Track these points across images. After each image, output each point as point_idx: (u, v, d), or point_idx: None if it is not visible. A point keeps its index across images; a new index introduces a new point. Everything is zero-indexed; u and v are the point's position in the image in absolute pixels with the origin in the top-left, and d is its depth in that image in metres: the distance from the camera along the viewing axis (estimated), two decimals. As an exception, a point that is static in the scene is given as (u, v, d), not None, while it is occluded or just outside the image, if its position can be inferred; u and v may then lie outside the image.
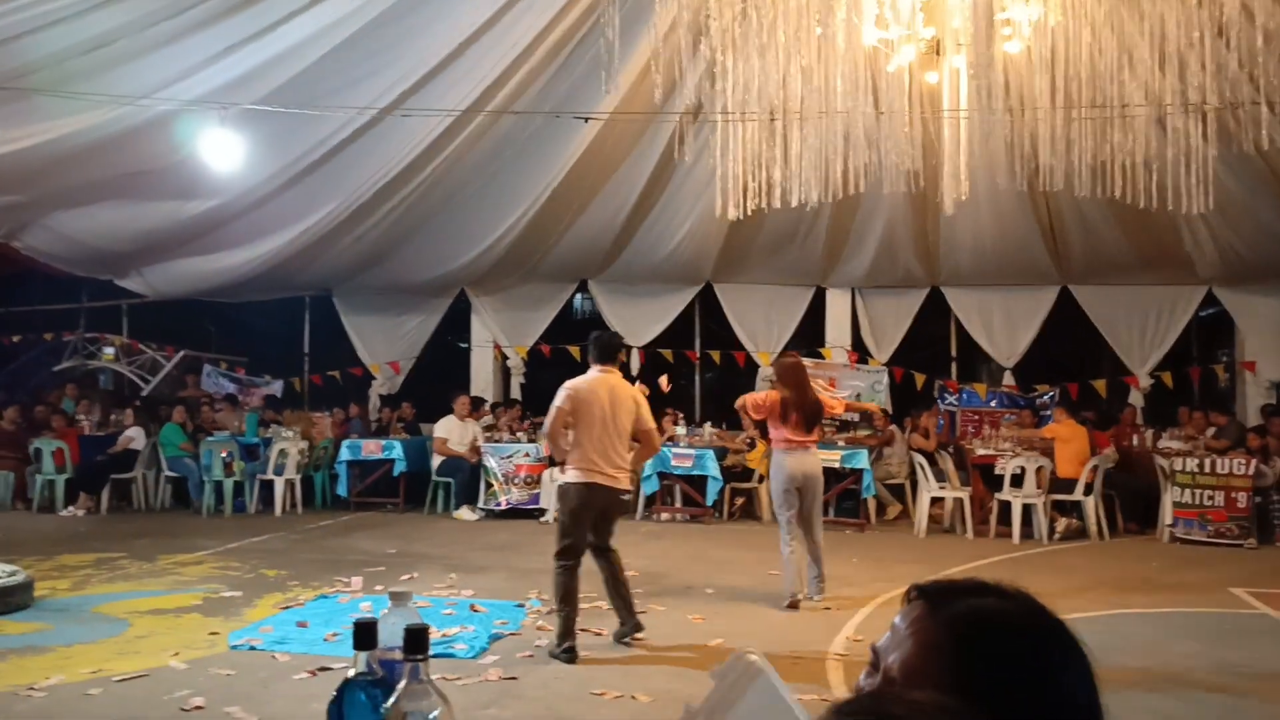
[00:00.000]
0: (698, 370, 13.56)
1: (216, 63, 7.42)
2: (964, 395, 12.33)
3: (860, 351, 12.67)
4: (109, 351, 13.53)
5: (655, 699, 4.51)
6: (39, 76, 7.18)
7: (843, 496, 9.94)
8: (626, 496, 5.88)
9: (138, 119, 8.01)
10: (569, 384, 5.52)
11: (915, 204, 9.89)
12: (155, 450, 10.93)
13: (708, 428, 11.17)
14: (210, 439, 10.77)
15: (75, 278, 13.10)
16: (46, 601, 6.36)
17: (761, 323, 12.84)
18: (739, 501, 10.46)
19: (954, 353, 12.93)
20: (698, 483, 10.03)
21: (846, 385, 12.60)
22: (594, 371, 5.58)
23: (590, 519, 5.45)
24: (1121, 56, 5.77)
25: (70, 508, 10.44)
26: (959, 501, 9.53)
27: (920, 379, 12.56)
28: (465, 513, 10.39)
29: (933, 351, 12.98)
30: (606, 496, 5.44)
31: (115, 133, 8.20)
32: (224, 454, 10.54)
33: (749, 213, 6.45)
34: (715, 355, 13.30)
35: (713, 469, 9.85)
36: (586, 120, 8.78)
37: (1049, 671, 1.06)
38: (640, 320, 13.02)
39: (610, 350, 5.71)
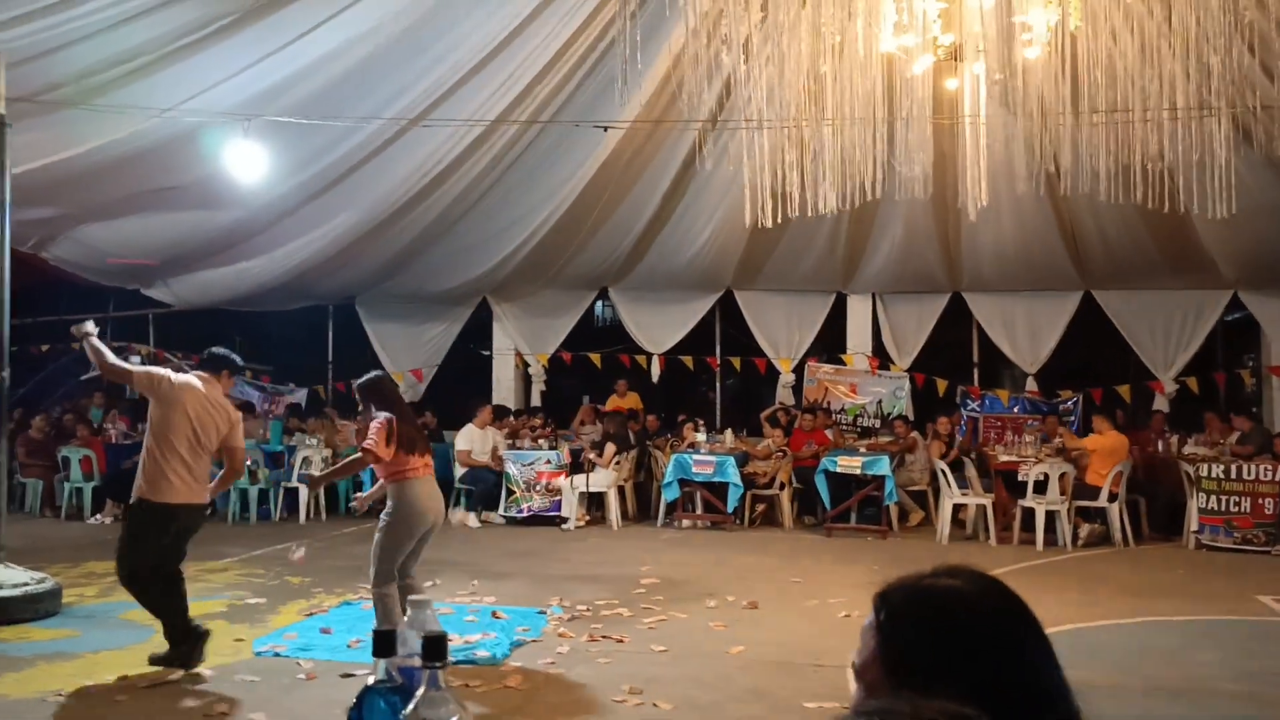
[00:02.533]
0: (718, 377, 13.57)
1: (241, 76, 7.51)
2: (986, 401, 12.27)
3: (881, 357, 12.63)
4: (135, 359, 13.68)
5: (676, 706, 4.52)
6: (67, 91, 7.29)
7: (864, 503, 9.92)
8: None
9: (163, 132, 8.11)
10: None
11: (936, 209, 9.86)
12: (181, 458, 11.03)
13: (728, 434, 11.17)
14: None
15: (102, 288, 13.28)
16: (74, 608, 6.45)
17: (782, 329, 12.83)
18: (760, 508, 10.45)
19: (976, 358, 12.87)
20: (719, 490, 10.03)
21: (868, 391, 12.58)
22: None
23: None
24: (1142, 59, 5.74)
25: (98, 515, 10.57)
26: (982, 508, 9.48)
27: (942, 385, 12.51)
28: (470, 519, 10.41)
29: (954, 357, 12.94)
30: None
31: (142, 146, 8.31)
32: (249, 462, 10.62)
33: (776, 220, 6.45)
34: (735, 362, 13.30)
35: (733, 476, 9.84)
36: (606, 129, 8.82)
37: (996, 640, 1.07)
38: (660, 327, 13.05)
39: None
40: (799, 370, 12.86)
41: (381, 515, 5.16)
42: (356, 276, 12.44)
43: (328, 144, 8.92)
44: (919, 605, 1.12)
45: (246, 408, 12.60)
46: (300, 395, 13.80)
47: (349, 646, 5.42)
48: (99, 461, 10.96)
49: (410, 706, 1.30)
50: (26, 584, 6.20)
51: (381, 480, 5.28)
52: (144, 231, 10.68)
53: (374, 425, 5.11)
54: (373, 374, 5.66)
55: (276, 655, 5.33)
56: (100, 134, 8.07)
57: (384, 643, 1.40)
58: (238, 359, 5.62)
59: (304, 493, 10.62)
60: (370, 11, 7.11)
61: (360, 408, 5.72)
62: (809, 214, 6.40)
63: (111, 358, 5.22)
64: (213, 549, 8.71)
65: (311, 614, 6.32)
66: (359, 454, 5.20)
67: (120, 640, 5.63)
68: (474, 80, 8.25)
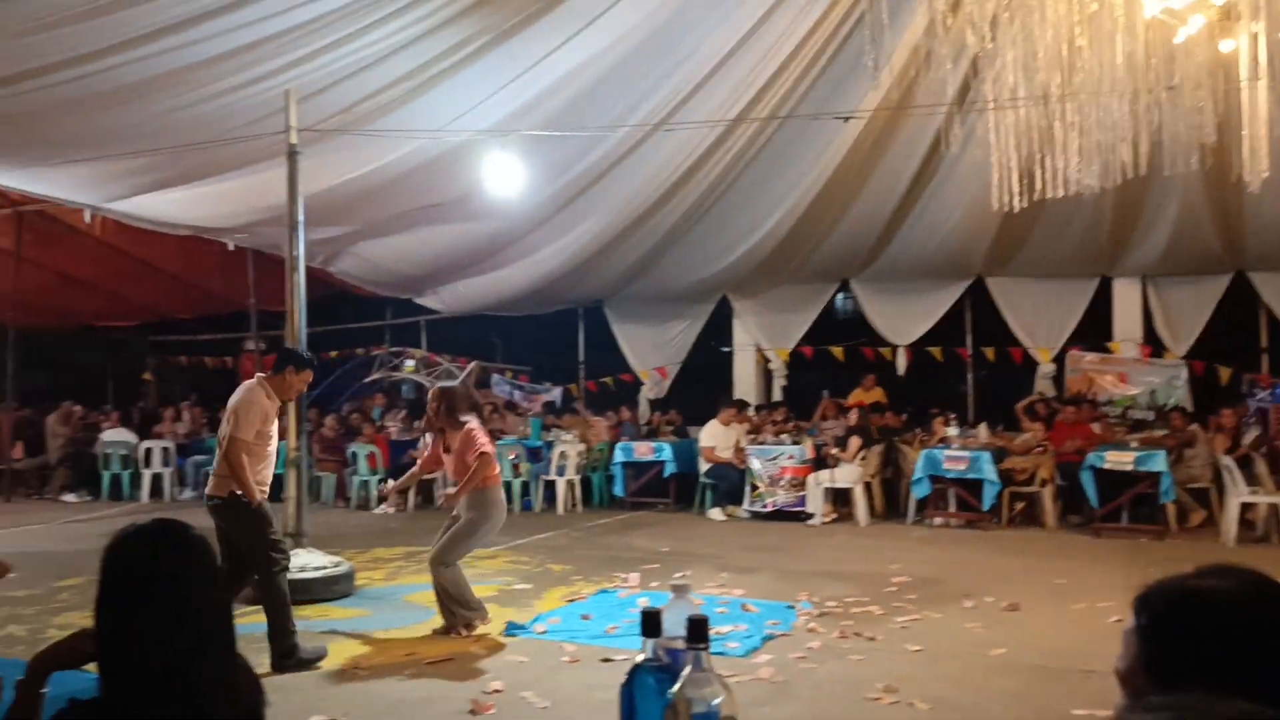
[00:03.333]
0: (969, 369, 13.03)
1: (497, 94, 8.00)
2: (1277, 391, 11.06)
3: (1153, 345, 11.69)
4: (410, 364, 14.91)
5: (934, 707, 4.42)
6: (342, 119, 8.03)
7: (1137, 502, 9.22)
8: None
9: (429, 154, 8.78)
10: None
11: (1212, 183, 9.01)
12: (451, 453, 11.92)
13: (982, 428, 10.70)
14: (499, 442, 11.61)
15: (380, 298, 14.60)
16: (365, 590, 7.13)
17: (1040, 317, 12.15)
18: (1019, 506, 9.94)
19: (1264, 343, 11.63)
20: (973, 486, 9.63)
21: (1139, 381, 11.68)
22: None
23: None
24: None
25: (383, 505, 11.59)
26: (1274, 508, 8.57)
27: (1225, 373, 11.41)
28: (715, 513, 10.60)
29: (1239, 342, 11.76)
30: None
31: (410, 167, 9.03)
32: (511, 456, 11.32)
33: (1027, 203, 6.14)
34: (989, 353, 12.73)
35: (989, 472, 9.42)
36: (847, 120, 8.70)
37: (1271, 645, 1.01)
38: (906, 318, 12.70)
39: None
40: (1059, 360, 12.14)
41: (465, 515, 5.70)
42: (604, 280, 12.95)
43: (576, 154, 9.33)
44: (1183, 608, 1.07)
45: (508, 406, 13.44)
46: (555, 393, 14.54)
47: (607, 632, 5.67)
48: (382, 456, 12.02)
49: (677, 685, 1.39)
50: (325, 567, 6.91)
51: (453, 479, 5.86)
52: (415, 245, 11.61)
53: (482, 433, 5.73)
54: (452, 383, 6.11)
55: (542, 638, 5.67)
56: (375, 158, 8.85)
57: (650, 624, 1.50)
58: (303, 355, 5.74)
59: (561, 485, 11.17)
60: (612, 25, 7.39)
61: (437, 412, 5.88)
62: (1068, 192, 6.04)
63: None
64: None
65: (572, 600, 6.65)
66: (482, 455, 5.64)
67: (405, 620, 6.17)
68: (713, 81, 8.38)
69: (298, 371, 5.48)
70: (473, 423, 5.78)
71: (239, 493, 5.11)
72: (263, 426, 5.25)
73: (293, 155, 7.30)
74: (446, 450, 5.83)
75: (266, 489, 5.31)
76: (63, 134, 7.72)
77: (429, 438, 6.12)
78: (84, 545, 6.60)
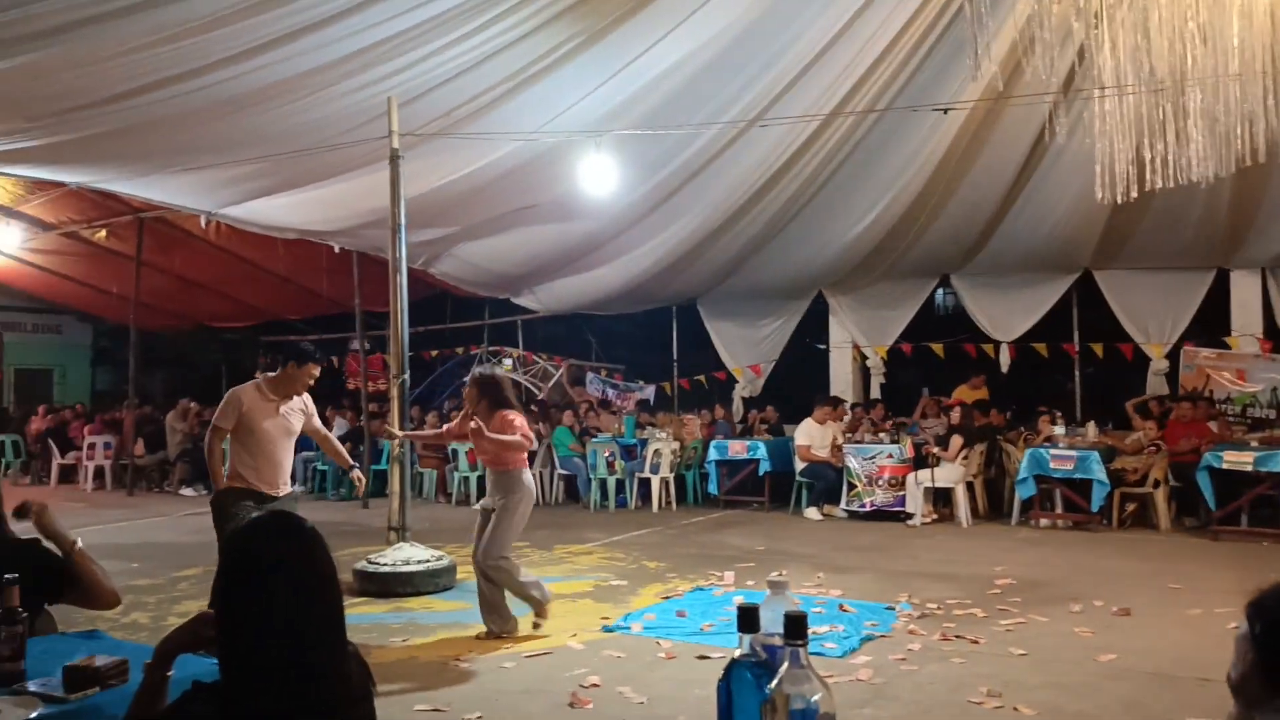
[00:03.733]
0: (1076, 365, 12.62)
1: (592, 95, 8.07)
2: None
3: (1274, 340, 11.13)
4: (507, 363, 15.17)
5: (1039, 713, 4.30)
6: (441, 123, 8.21)
7: (1258, 504, 8.80)
8: None
9: (525, 155, 8.91)
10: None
11: (1343, 167, 8.52)
12: (549, 450, 12.10)
13: (1091, 427, 10.35)
14: (595, 440, 11.72)
15: (478, 298, 14.88)
16: (466, 583, 7.25)
17: (1151, 311, 11.69)
18: (1130, 508, 9.58)
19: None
20: (1081, 487, 9.33)
21: (1259, 378, 11.15)
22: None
23: None
24: None
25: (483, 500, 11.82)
26: None
27: (1357, 369, 10.79)
28: (812, 513, 10.49)
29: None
30: None
31: (508, 168, 9.18)
32: (607, 454, 11.42)
33: (1135, 195, 5.91)
34: (1097, 348, 12.30)
35: (1098, 472, 9.10)
36: (946, 111, 8.52)
37: None
38: (1009, 314, 12.37)
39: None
40: (1173, 356, 11.66)
41: (498, 502, 5.71)
42: (697, 278, 12.94)
43: (670, 152, 9.35)
44: None
45: (602, 404, 13.55)
46: (649, 392, 14.60)
47: (702, 630, 5.68)
48: (481, 453, 12.25)
49: (775, 681, 1.39)
50: (428, 560, 7.09)
51: (482, 461, 6.01)
52: (512, 246, 11.80)
53: (521, 420, 5.79)
54: (491, 370, 6.14)
55: (638, 634, 5.71)
56: (473, 160, 9.02)
57: (748, 619, 1.50)
58: (304, 350, 6.07)
59: (655, 483, 11.22)
60: (706, 22, 7.37)
61: (478, 398, 5.88)
62: (1181, 181, 5.79)
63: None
64: (578, 534, 9.49)
65: (667, 597, 6.68)
66: (519, 441, 5.67)
67: (504, 613, 6.28)
68: (809, 75, 8.29)
69: (299, 365, 5.66)
70: (511, 414, 5.79)
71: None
72: (248, 421, 5.39)
73: (395, 159, 7.51)
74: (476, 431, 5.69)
75: (266, 486, 5.40)
76: (182, 143, 8.10)
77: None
78: (202, 537, 6.90)
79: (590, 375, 14.98)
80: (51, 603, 2.86)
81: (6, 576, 2.33)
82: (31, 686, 2.21)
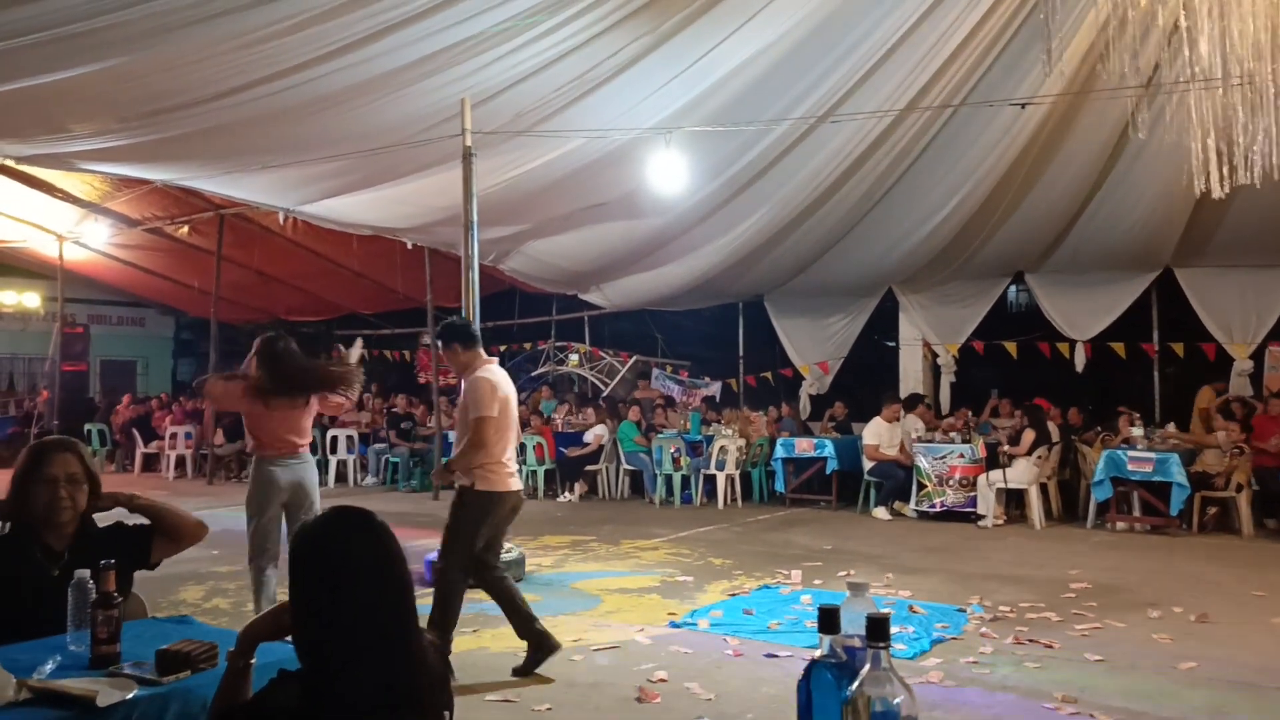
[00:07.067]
0: (1155, 365, 12.29)
1: (660, 92, 8.08)
2: None
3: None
4: (574, 358, 15.29)
5: (1115, 720, 4.22)
6: (514, 122, 8.29)
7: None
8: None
9: (595, 153, 8.95)
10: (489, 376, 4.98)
11: None
12: (615, 445, 12.17)
13: (1171, 428, 10.08)
14: (660, 436, 11.76)
15: (546, 294, 15.01)
16: (534, 576, 7.37)
17: (1236, 310, 11.34)
18: (1212, 511, 9.31)
19: None
20: (1160, 490, 9.09)
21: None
22: (493, 361, 5.20)
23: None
24: None
25: (566, 494, 11.97)
26: None
27: None
28: (881, 512, 10.38)
29: None
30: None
31: (578, 166, 9.24)
32: (672, 450, 11.44)
33: (1228, 189, 5.72)
34: (1178, 348, 11.97)
35: (1178, 475, 8.86)
36: (1024, 106, 8.35)
37: None
38: (1085, 312, 12.10)
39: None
40: (1258, 356, 11.29)
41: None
42: (765, 275, 12.88)
43: (739, 149, 9.32)
44: None
45: (668, 401, 13.58)
46: (715, 388, 14.58)
47: (769, 628, 5.67)
48: (549, 447, 12.37)
49: (856, 683, 1.40)
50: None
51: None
52: (580, 243, 11.87)
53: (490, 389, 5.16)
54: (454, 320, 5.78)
55: (705, 631, 5.72)
56: (544, 158, 9.09)
57: (829, 621, 1.51)
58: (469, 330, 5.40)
59: (720, 480, 11.21)
60: (777, 17, 7.34)
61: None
62: (1273, 176, 5.61)
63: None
64: (644, 530, 9.53)
65: (734, 594, 6.68)
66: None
67: (572, 606, 6.35)
68: (882, 70, 8.20)
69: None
70: (484, 370, 5.05)
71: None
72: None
73: (468, 158, 7.61)
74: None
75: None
76: (263, 142, 8.31)
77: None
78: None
79: (656, 371, 15.02)
80: (153, 565, 2.94)
81: (103, 562, 2.43)
82: (126, 669, 2.29)
